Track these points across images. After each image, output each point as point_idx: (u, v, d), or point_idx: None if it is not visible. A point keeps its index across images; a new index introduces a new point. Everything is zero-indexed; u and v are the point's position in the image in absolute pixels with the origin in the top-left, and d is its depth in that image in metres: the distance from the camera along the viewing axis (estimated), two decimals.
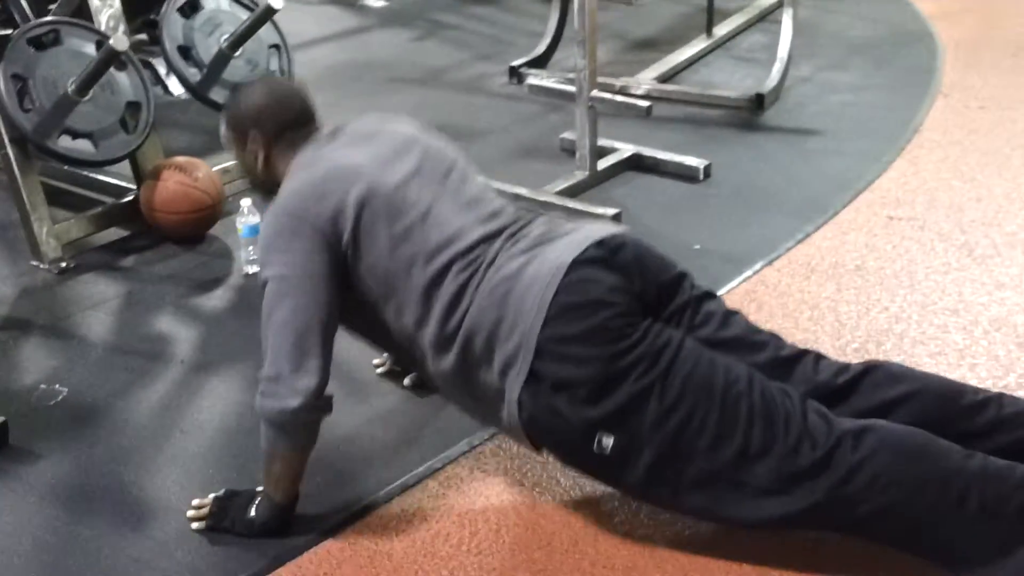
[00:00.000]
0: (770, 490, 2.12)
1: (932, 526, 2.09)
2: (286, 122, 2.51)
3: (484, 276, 2.28)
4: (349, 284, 2.35)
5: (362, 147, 2.45)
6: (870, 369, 2.30)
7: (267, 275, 2.32)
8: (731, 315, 2.38)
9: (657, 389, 2.15)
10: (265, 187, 2.55)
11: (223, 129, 2.59)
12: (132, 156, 3.80)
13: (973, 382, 2.76)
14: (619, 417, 2.15)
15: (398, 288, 2.33)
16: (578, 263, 2.25)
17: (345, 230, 2.32)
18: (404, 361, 2.46)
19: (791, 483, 2.11)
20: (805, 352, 2.34)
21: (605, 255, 2.29)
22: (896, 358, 2.90)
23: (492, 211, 2.42)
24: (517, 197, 3.90)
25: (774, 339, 2.37)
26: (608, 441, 2.16)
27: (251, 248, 3.51)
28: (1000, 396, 2.28)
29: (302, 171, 2.42)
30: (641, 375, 2.15)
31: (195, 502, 2.45)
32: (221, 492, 2.45)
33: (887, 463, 2.09)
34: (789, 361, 2.31)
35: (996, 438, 2.20)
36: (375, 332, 2.46)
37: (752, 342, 2.34)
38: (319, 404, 2.26)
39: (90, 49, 3.60)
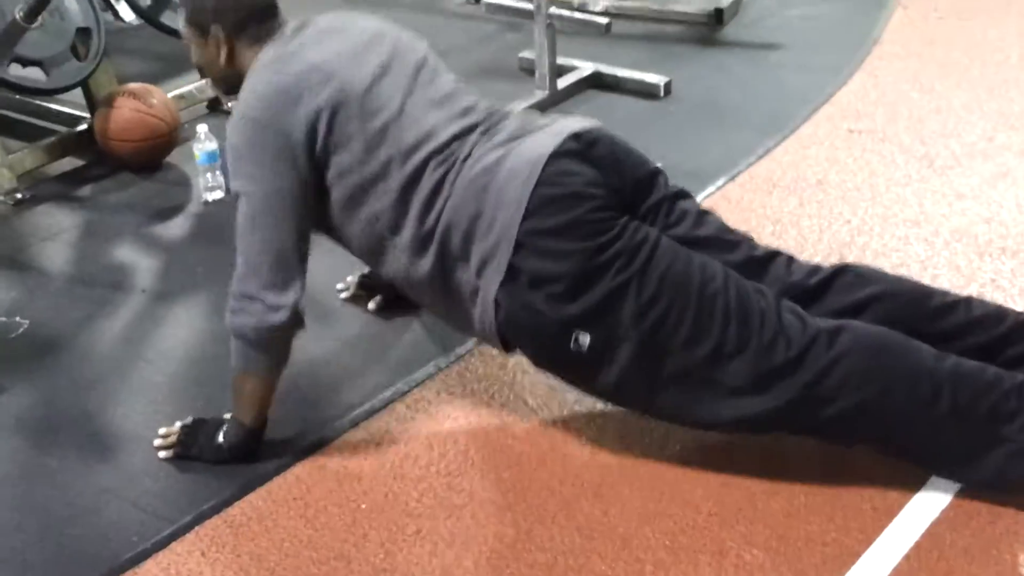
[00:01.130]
0: (744, 388, 2.13)
1: (904, 425, 2.11)
2: (248, 15, 2.38)
3: (461, 170, 2.25)
4: (321, 193, 2.31)
5: (329, 44, 2.36)
6: (841, 270, 2.31)
7: (239, 188, 2.28)
8: (705, 214, 2.37)
9: (634, 285, 2.14)
10: (227, 83, 2.45)
11: (182, 25, 2.46)
12: (84, 84, 3.74)
13: None
14: (596, 314, 2.14)
15: (374, 192, 2.29)
16: (556, 155, 2.22)
17: (318, 137, 2.26)
18: (375, 270, 2.44)
19: (766, 381, 2.12)
20: (778, 253, 2.35)
21: (582, 148, 2.27)
22: None
23: (465, 106, 2.38)
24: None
25: (747, 240, 2.37)
26: (585, 339, 2.16)
27: (209, 175, 3.47)
28: (968, 299, 2.30)
29: (267, 70, 2.33)
30: (619, 271, 2.14)
31: (162, 431, 2.44)
32: (188, 420, 2.44)
33: (860, 361, 2.10)
34: (762, 261, 2.32)
35: (965, 340, 2.22)
36: (346, 241, 2.42)
37: (726, 241, 2.33)
38: (297, 319, 2.26)
39: None
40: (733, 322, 2.13)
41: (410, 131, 2.28)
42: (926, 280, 2.83)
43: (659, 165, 2.39)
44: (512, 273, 2.17)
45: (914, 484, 2.20)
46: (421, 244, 2.27)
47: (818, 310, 2.22)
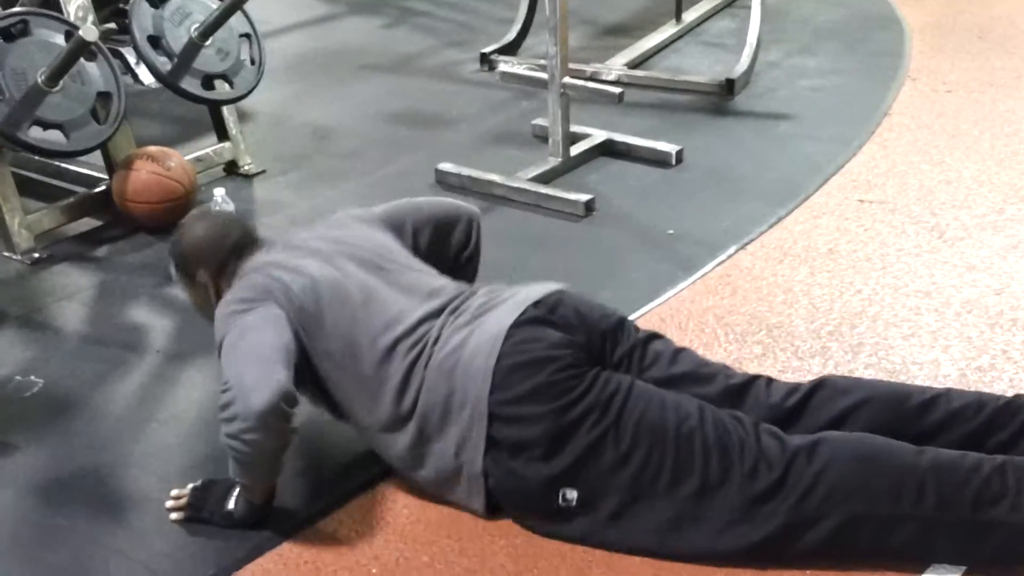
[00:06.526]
0: (733, 519, 2.15)
1: (896, 526, 2.11)
2: (229, 255, 2.55)
3: (431, 353, 2.33)
4: (311, 367, 2.39)
5: (299, 250, 2.52)
6: (818, 386, 2.35)
7: (221, 339, 2.34)
8: (679, 352, 2.44)
9: (611, 436, 2.19)
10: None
11: (172, 271, 2.64)
12: (103, 146, 3.77)
13: (947, 364, 2.80)
14: (578, 469, 2.20)
15: (347, 374, 2.37)
16: (518, 325, 2.31)
17: (291, 313, 2.36)
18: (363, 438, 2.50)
19: (753, 508, 2.14)
20: (755, 378, 2.39)
21: (544, 314, 2.35)
22: (870, 341, 2.93)
23: (432, 290, 2.46)
24: (490, 184, 3.92)
25: (724, 369, 2.42)
26: (572, 495, 2.22)
27: None
28: (948, 391, 2.33)
29: (242, 281, 2.47)
30: (593, 424, 2.20)
31: (173, 492, 2.44)
32: (199, 482, 2.44)
33: (842, 470, 2.12)
34: (741, 388, 2.36)
35: (948, 434, 2.25)
36: (337, 413, 2.48)
37: (702, 375, 2.39)
38: (287, 397, 2.17)
39: (59, 39, 3.56)
40: (713, 455, 2.17)
41: (378, 317, 2.37)
42: (937, 351, 2.86)
43: (624, 315, 2.49)
44: (492, 443, 2.25)
45: (919, 566, 2.18)
46: (398, 423, 2.34)
47: (801, 428, 2.26)
